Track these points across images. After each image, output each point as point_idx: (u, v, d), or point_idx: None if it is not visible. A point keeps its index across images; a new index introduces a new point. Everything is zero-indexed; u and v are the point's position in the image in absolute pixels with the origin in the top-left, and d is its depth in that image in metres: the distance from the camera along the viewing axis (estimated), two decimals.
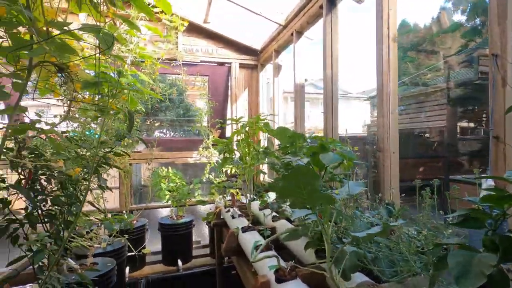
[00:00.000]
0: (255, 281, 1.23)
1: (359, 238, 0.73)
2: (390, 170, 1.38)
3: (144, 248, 2.75)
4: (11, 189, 1.15)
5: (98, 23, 1.25)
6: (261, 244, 1.43)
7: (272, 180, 2.85)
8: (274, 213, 1.97)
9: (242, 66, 3.56)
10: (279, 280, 1.07)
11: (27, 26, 1.02)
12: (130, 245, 2.41)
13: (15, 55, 1.10)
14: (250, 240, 1.55)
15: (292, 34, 2.52)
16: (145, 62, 2.73)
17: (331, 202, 0.72)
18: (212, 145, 3.31)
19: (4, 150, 1.14)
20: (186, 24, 3.04)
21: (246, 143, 1.75)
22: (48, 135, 1.22)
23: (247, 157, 1.75)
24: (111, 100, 1.53)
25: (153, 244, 3.15)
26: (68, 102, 1.43)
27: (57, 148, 1.21)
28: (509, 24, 1.00)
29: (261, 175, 3.37)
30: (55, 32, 1.09)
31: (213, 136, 3.35)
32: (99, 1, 1.28)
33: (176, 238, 2.88)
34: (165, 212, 4.98)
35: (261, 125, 1.84)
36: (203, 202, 2.65)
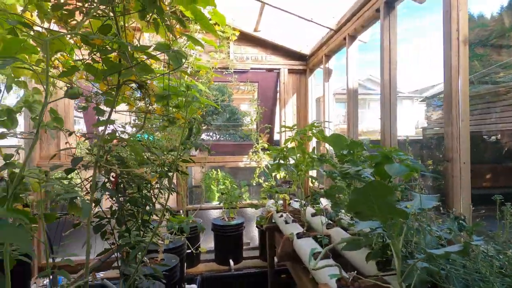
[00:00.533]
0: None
1: (436, 255, 0.71)
2: (460, 181, 1.29)
3: (199, 246, 2.92)
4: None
5: (168, 41, 1.39)
6: (318, 252, 1.45)
7: (324, 187, 2.81)
8: (328, 221, 1.96)
9: (290, 71, 3.59)
10: None
11: (117, 52, 1.18)
12: (189, 243, 2.59)
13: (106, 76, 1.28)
14: (306, 246, 1.56)
15: (344, 39, 2.48)
16: (201, 72, 2.91)
17: (405, 217, 0.72)
18: (262, 149, 3.39)
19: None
20: (237, 34, 3.17)
21: (300, 150, 1.77)
22: (128, 143, 1.40)
23: (302, 164, 1.77)
24: (176, 110, 1.69)
25: (206, 243, 3.33)
26: (139, 113, 1.62)
27: (138, 156, 1.38)
28: None
29: (310, 181, 3.35)
30: (134, 53, 1.25)
31: (262, 141, 3.43)
32: (171, 23, 1.43)
33: (228, 238, 3.00)
34: (214, 212, 5.21)
35: (315, 132, 1.86)
36: (255, 206, 2.74)
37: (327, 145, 2.41)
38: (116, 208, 1.34)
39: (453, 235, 1.16)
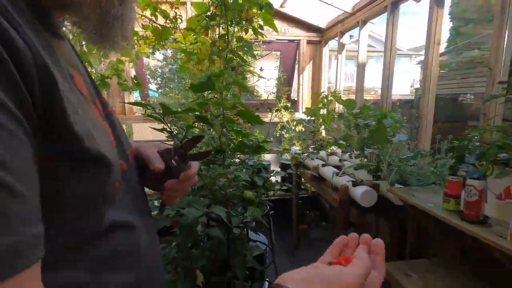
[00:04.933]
0: (338, 189, 2.21)
1: (401, 158, 1.63)
2: (425, 130, 2.20)
3: None
4: None
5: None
6: (337, 172, 2.40)
7: (332, 138, 3.72)
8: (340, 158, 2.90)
9: (309, 42, 4.27)
10: (354, 185, 2.03)
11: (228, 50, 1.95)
12: None
13: None
14: (329, 171, 2.52)
15: (358, 22, 3.18)
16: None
17: (389, 142, 1.61)
18: (283, 108, 4.22)
19: None
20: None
21: (326, 110, 2.65)
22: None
23: (326, 120, 2.66)
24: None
25: None
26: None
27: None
28: None
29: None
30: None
31: (284, 101, 4.25)
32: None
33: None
34: None
35: (336, 96, 2.71)
36: (286, 150, 3.68)
37: (341, 106, 3.27)
38: None
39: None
